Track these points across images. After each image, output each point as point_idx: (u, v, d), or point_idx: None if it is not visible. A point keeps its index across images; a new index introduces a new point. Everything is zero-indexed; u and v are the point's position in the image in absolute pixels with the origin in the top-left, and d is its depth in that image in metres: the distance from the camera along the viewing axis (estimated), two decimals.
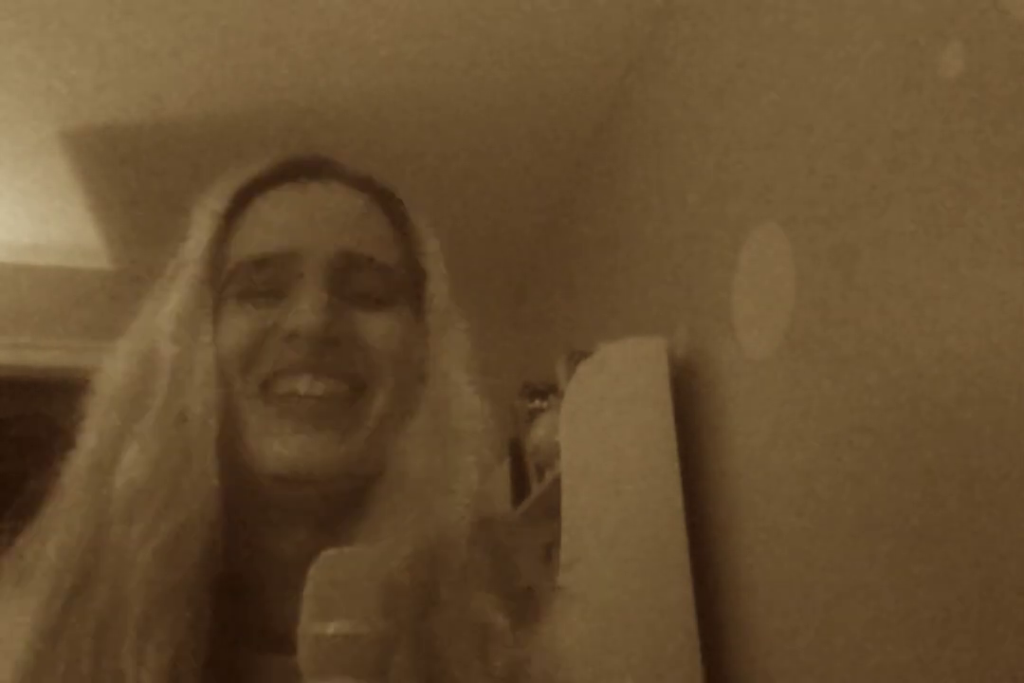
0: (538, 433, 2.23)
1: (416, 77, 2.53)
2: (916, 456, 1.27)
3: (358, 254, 0.72)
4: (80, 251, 3.45)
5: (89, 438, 0.70)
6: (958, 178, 1.21)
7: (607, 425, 1.94)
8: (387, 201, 0.79)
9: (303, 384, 0.68)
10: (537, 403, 2.36)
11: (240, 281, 0.70)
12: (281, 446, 0.66)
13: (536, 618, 0.70)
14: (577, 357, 2.10)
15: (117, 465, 0.66)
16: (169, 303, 0.71)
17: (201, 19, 2.29)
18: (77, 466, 0.70)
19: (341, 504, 0.68)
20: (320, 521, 0.69)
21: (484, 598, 0.66)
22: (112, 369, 0.72)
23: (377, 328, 0.70)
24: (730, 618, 1.80)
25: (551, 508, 1.97)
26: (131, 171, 2.95)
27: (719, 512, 1.87)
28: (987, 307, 1.15)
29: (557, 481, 1.99)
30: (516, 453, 2.47)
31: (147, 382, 0.69)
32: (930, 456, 1.24)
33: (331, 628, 0.52)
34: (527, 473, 2.39)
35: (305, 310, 0.67)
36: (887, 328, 1.35)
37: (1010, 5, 1.14)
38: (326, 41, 2.39)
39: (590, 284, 2.83)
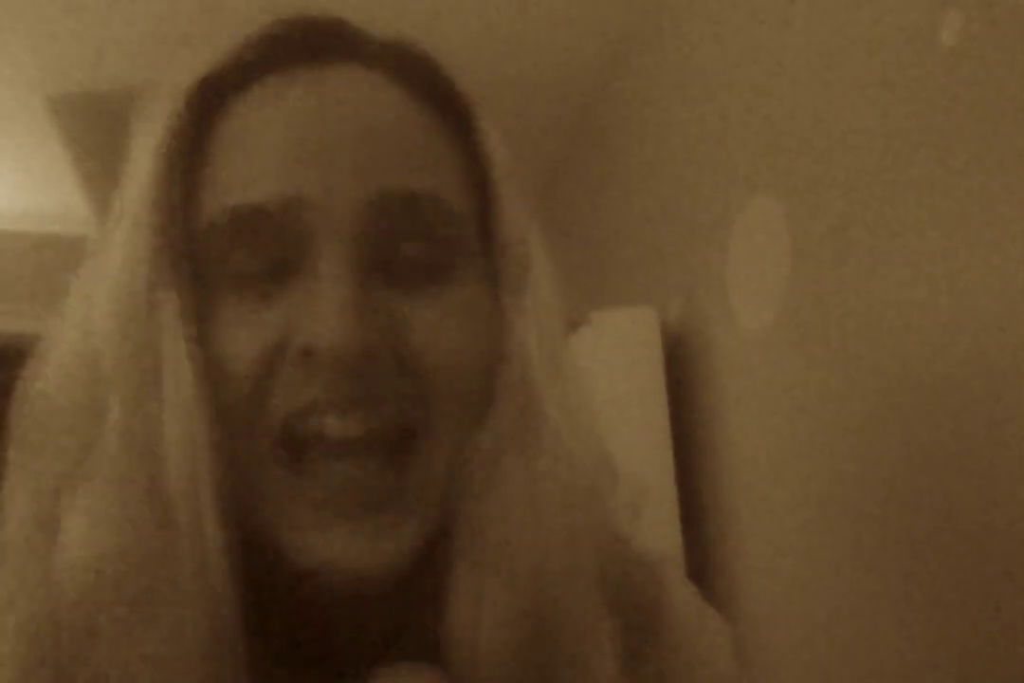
0: None
1: None
2: (911, 431, 1.27)
3: (399, 192, 0.46)
4: (68, 218, 3.42)
5: (19, 496, 0.45)
6: (956, 149, 1.20)
7: (599, 396, 1.93)
8: (434, 87, 0.52)
9: (332, 425, 0.44)
10: None
11: (218, 250, 0.46)
12: (317, 547, 0.44)
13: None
14: (569, 327, 2.09)
15: (58, 544, 0.42)
16: (105, 284, 0.47)
17: None
18: (9, 543, 0.45)
19: (413, 578, 0.47)
20: (381, 602, 0.48)
21: None
22: (43, 383, 0.47)
23: (433, 327, 0.46)
24: (723, 594, 1.80)
25: None
26: (120, 138, 2.92)
27: (711, 485, 1.87)
28: (985, 281, 1.14)
29: None
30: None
31: (92, 411, 0.44)
32: (925, 431, 1.24)
33: None
34: None
35: (321, 315, 0.43)
36: (883, 302, 1.34)
37: None
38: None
39: (583, 253, 2.82)
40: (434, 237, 0.48)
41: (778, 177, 1.66)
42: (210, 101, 0.49)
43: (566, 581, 0.47)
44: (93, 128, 2.87)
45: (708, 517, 1.86)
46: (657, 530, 1.82)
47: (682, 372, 1.99)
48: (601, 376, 1.95)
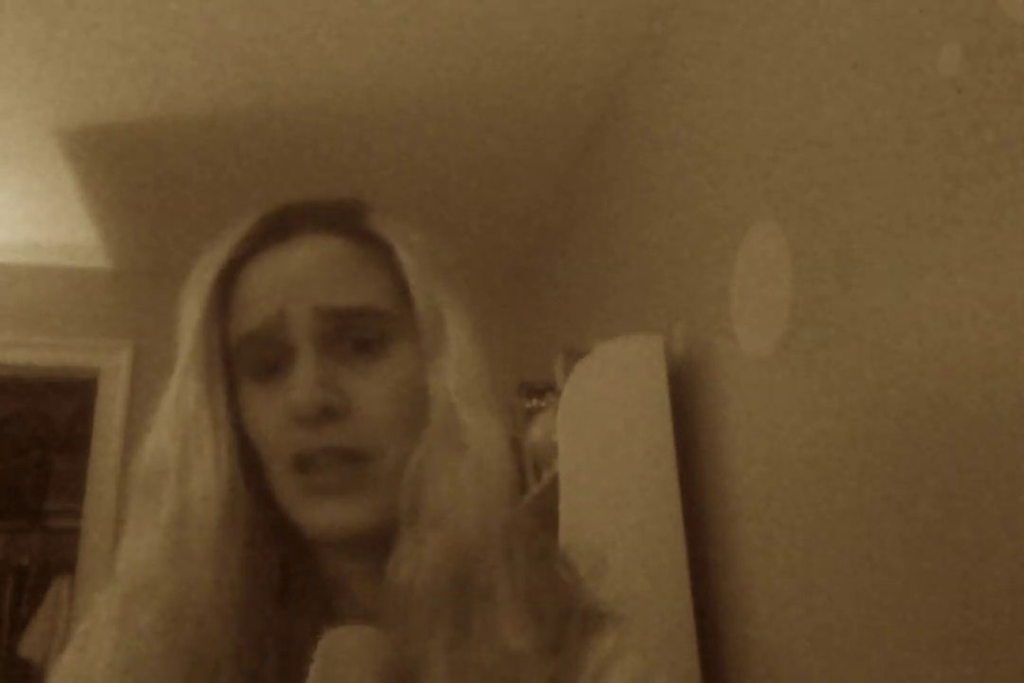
0: (536, 432, 2.23)
1: (413, 76, 2.53)
2: (914, 454, 1.27)
3: (336, 306, 0.75)
4: (77, 249, 3.45)
5: (130, 528, 0.77)
6: (956, 177, 1.21)
7: (605, 424, 1.94)
8: (360, 234, 0.80)
9: (318, 460, 0.73)
10: (534, 402, 2.36)
11: (244, 358, 0.76)
12: (313, 515, 0.73)
13: (573, 645, 0.74)
14: (574, 355, 2.10)
15: (130, 562, 0.74)
16: (169, 399, 0.77)
17: (199, 17, 2.29)
18: (119, 562, 0.76)
19: (379, 538, 0.74)
20: (364, 553, 0.75)
21: (517, 627, 0.69)
22: (137, 464, 0.77)
23: (371, 387, 0.74)
24: (727, 615, 1.80)
25: (548, 507, 1.98)
26: (128, 169, 2.95)
27: (717, 510, 1.87)
28: (985, 306, 1.15)
29: (555, 480, 1.99)
30: (514, 452, 2.47)
31: (161, 478, 0.75)
32: (928, 455, 1.24)
33: None
34: (525, 472, 2.39)
35: (297, 388, 0.72)
36: (885, 326, 1.35)
37: (1007, 5, 1.14)
38: (324, 41, 2.39)
39: (587, 282, 2.83)
40: (366, 331, 0.75)
41: (779, 204, 1.67)
42: (231, 270, 0.78)
43: (478, 546, 0.70)
44: (102, 161, 2.90)
45: (713, 539, 1.86)
46: (662, 551, 1.82)
47: (686, 397, 2.00)
48: (607, 402, 1.96)
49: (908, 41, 1.32)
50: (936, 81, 1.25)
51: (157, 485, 0.74)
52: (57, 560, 4.35)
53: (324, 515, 0.72)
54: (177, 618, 0.69)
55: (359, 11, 2.28)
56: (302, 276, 0.76)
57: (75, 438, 4.37)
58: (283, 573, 0.75)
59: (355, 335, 0.75)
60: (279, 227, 0.79)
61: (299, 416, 0.72)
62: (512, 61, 2.48)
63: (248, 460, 0.75)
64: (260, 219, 0.81)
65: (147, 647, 0.68)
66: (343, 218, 0.81)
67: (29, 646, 4.12)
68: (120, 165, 2.93)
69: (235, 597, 0.70)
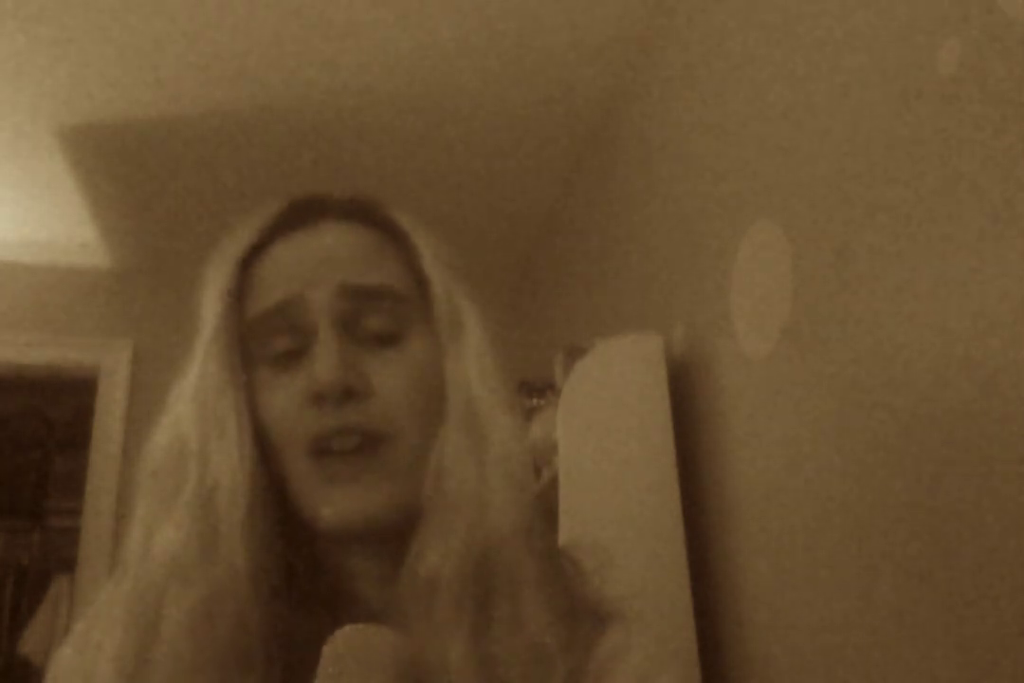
0: (535, 431, 2.23)
1: (414, 76, 2.53)
2: (914, 454, 1.27)
3: (359, 284, 0.75)
4: (78, 248, 3.45)
5: (139, 514, 0.76)
6: (955, 176, 1.21)
7: (604, 423, 1.94)
8: (378, 223, 0.82)
9: (336, 443, 0.72)
10: (534, 401, 2.36)
11: (259, 342, 0.76)
12: (330, 503, 0.72)
13: (590, 643, 0.73)
14: (574, 354, 2.10)
15: (153, 546, 0.72)
16: (189, 383, 0.77)
17: (200, 16, 2.29)
18: (129, 550, 0.75)
19: (393, 532, 0.73)
20: (376, 551, 0.75)
21: (540, 615, 0.69)
22: (151, 449, 0.77)
23: (390, 373, 0.74)
24: (727, 615, 1.80)
25: (548, 506, 1.98)
26: (128, 168, 2.95)
27: (717, 510, 1.87)
28: (984, 305, 1.15)
29: (554, 479, 1.99)
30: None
31: (180, 463, 0.74)
32: (927, 454, 1.24)
33: None
34: None
35: (322, 368, 0.71)
36: (885, 326, 1.35)
37: (1006, 3, 1.14)
38: (324, 42, 2.39)
39: (587, 281, 2.84)
40: (385, 315, 0.76)
41: (779, 203, 1.67)
42: (251, 257, 0.79)
43: (502, 532, 0.70)
44: (102, 159, 2.90)
45: (713, 539, 1.86)
46: (662, 551, 1.82)
47: (686, 397, 2.00)
48: (607, 401, 1.96)
49: (907, 40, 1.32)
50: (936, 80, 1.25)
51: (174, 471, 0.73)
52: (57, 559, 4.36)
53: (341, 503, 0.71)
54: (213, 613, 0.67)
55: (361, 12, 2.28)
56: (322, 258, 0.77)
57: (75, 437, 4.37)
58: (287, 573, 0.73)
59: (374, 321, 0.75)
60: (296, 215, 0.81)
61: (322, 395, 0.71)
62: (513, 61, 2.48)
63: (261, 450, 0.73)
64: (277, 208, 0.82)
65: (171, 645, 0.66)
66: (359, 207, 0.83)
67: (29, 645, 4.12)
68: (120, 165, 2.93)
69: (267, 589, 0.69)
